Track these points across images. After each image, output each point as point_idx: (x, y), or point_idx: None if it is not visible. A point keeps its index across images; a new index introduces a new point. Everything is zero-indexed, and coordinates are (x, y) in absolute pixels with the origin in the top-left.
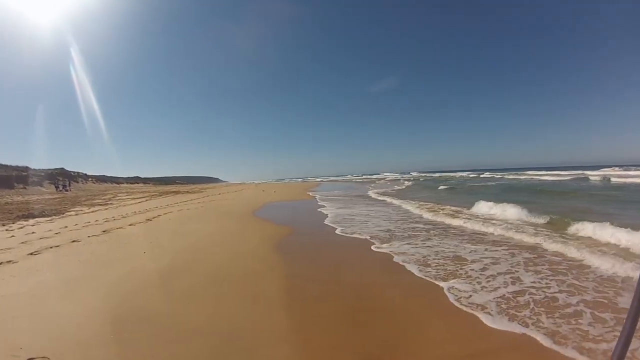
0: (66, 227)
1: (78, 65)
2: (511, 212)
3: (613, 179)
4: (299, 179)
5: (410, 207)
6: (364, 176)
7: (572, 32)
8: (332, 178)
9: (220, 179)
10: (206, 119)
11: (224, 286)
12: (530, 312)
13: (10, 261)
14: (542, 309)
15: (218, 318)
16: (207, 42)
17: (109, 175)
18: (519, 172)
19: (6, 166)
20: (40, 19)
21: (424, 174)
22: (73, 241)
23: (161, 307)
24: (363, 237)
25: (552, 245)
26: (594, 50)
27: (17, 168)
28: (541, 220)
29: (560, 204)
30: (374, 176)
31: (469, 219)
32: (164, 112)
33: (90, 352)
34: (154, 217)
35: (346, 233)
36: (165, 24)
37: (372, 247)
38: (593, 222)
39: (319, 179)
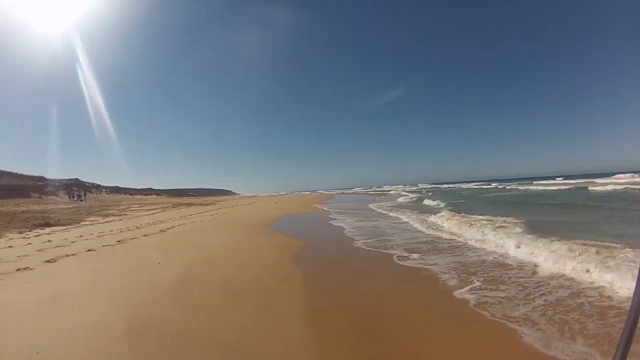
0: (81, 236)
1: (90, 75)
2: None
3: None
4: (308, 192)
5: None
6: (373, 188)
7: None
8: (338, 191)
9: (233, 191)
10: (218, 132)
11: (238, 297)
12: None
13: (27, 268)
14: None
15: (232, 328)
16: (221, 54)
17: (122, 186)
18: (522, 182)
19: (22, 176)
20: (51, 29)
21: (430, 186)
22: (88, 250)
23: (176, 317)
24: (381, 249)
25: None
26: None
27: (32, 178)
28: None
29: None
30: (384, 188)
31: None
32: (176, 123)
33: (108, 358)
34: (167, 229)
35: (364, 245)
36: (180, 32)
37: (394, 258)
38: None
39: (328, 192)
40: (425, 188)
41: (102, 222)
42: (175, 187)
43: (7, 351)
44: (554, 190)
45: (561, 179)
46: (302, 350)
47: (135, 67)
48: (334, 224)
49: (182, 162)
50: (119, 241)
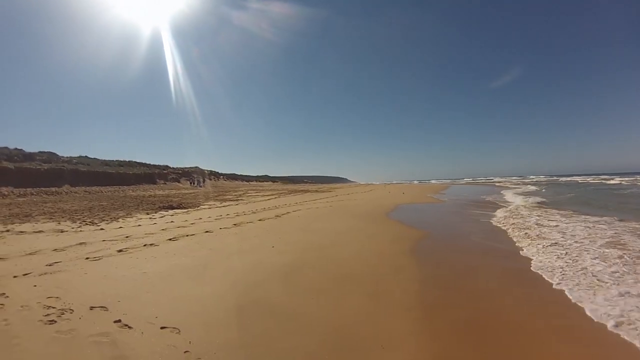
0: (200, 218)
1: (205, 68)
2: None
3: None
4: (416, 181)
5: None
6: (483, 179)
7: None
8: (447, 180)
9: (348, 179)
10: (333, 120)
11: (350, 284)
12: None
13: (152, 244)
14: None
15: (338, 315)
16: (349, 39)
17: (238, 173)
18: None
19: (149, 165)
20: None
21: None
22: (206, 231)
23: (283, 300)
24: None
25: None
26: None
27: (158, 167)
28: None
29: None
30: (493, 179)
31: None
32: (293, 112)
33: (215, 331)
34: (282, 214)
35: (485, 240)
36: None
37: (521, 252)
38: None
39: (438, 181)
40: (537, 181)
41: (220, 207)
42: (290, 175)
43: (130, 315)
44: None
45: None
46: (405, 343)
47: (246, 62)
48: (457, 214)
49: (297, 150)
50: (234, 224)
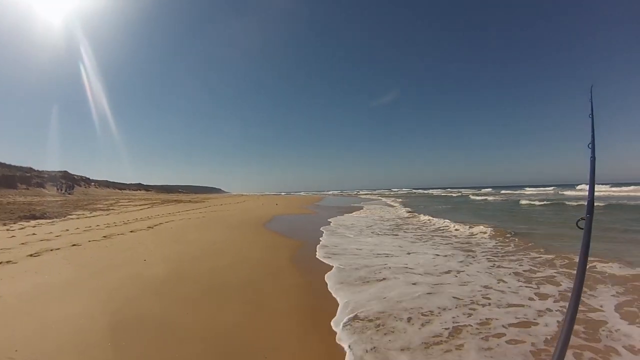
0: (67, 230)
1: (86, 66)
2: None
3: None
4: (284, 193)
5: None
6: (358, 192)
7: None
8: (315, 192)
9: (222, 189)
10: (209, 130)
11: (226, 294)
12: None
13: (9, 261)
14: None
15: (217, 324)
16: (214, 54)
17: (111, 180)
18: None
19: (10, 166)
20: (51, 18)
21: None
22: (73, 245)
23: (161, 314)
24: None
25: None
26: None
27: (20, 168)
28: None
29: None
30: (358, 192)
31: None
32: (169, 120)
33: (87, 356)
34: (155, 225)
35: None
36: (174, 28)
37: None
38: None
39: (307, 193)
40: (400, 193)
41: (89, 217)
42: (164, 183)
43: None
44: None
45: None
46: (295, 348)
47: (129, 64)
48: (326, 224)
49: (172, 159)
50: (105, 236)
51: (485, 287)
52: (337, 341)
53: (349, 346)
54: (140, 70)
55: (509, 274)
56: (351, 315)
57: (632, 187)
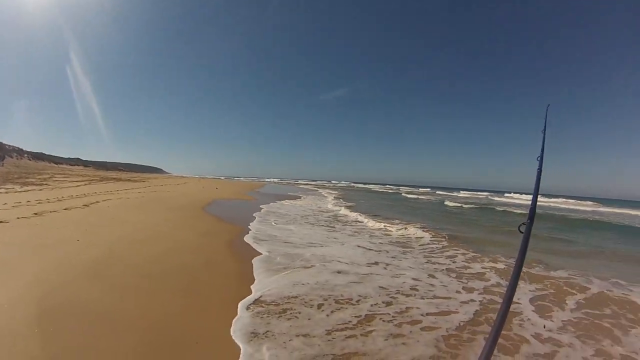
0: None
1: (21, 29)
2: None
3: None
4: (237, 177)
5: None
6: (297, 181)
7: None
8: (261, 180)
9: (163, 169)
10: (153, 106)
11: (163, 279)
12: None
13: None
14: None
15: (153, 311)
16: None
17: (47, 153)
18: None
19: None
20: None
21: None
22: (0, 222)
23: (93, 299)
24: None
25: None
26: None
27: None
28: None
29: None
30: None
31: None
32: (112, 91)
33: (11, 346)
34: (91, 203)
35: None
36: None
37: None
38: None
39: (245, 179)
40: (339, 186)
41: (20, 191)
42: (105, 160)
43: None
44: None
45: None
46: (226, 337)
47: (72, 29)
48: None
49: (115, 134)
50: (36, 213)
51: (415, 279)
52: (232, 324)
53: (239, 329)
54: (83, 35)
55: (441, 270)
56: (257, 298)
57: (560, 200)
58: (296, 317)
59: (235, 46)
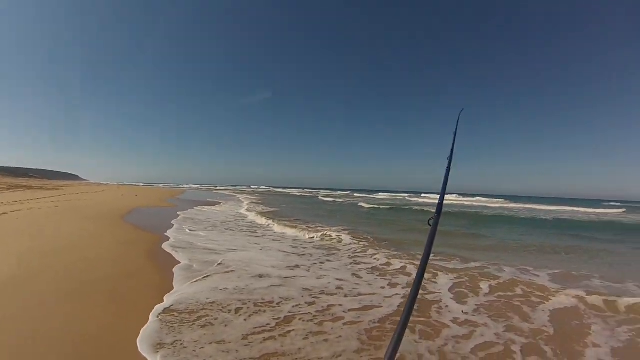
0: None
1: None
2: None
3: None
4: (156, 184)
5: None
6: (216, 187)
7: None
8: (180, 186)
9: (79, 176)
10: (67, 107)
11: (83, 294)
12: None
13: None
14: None
15: (76, 330)
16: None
17: None
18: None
19: None
20: None
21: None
22: None
23: (7, 318)
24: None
25: None
26: None
27: None
28: None
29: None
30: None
31: None
32: (21, 87)
33: None
34: None
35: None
36: None
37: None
38: None
39: (170, 186)
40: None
41: None
42: (13, 166)
43: None
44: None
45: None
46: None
47: None
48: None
49: (25, 135)
50: None
51: (340, 279)
52: (140, 333)
53: (145, 340)
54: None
55: (366, 269)
56: (167, 307)
57: (476, 198)
58: (211, 323)
59: (154, 45)
